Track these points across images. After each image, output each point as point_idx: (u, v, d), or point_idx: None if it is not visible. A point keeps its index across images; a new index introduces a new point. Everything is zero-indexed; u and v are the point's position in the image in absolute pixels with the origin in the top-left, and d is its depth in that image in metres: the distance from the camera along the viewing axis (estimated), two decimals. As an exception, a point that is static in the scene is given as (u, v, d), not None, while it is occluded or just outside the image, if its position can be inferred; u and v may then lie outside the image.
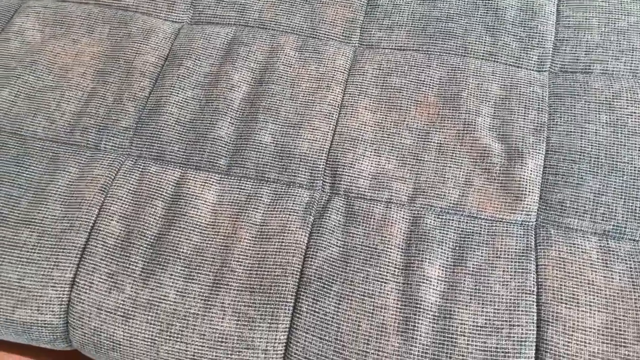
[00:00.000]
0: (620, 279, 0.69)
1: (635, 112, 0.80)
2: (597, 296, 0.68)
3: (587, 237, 0.73)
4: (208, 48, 0.91)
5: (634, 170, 0.76)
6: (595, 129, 0.79)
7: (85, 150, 0.84)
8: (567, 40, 0.88)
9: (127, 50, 0.91)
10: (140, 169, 0.82)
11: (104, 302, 0.73)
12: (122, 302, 0.72)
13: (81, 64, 0.91)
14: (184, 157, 0.82)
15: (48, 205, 0.78)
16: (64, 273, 0.74)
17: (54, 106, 0.87)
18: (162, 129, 0.84)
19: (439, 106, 0.83)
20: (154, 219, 0.77)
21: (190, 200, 0.78)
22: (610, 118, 0.80)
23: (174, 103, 0.86)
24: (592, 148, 0.78)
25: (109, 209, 0.78)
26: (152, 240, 0.76)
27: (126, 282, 0.73)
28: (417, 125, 0.82)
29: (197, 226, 0.76)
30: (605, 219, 0.74)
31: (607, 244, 0.72)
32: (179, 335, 0.71)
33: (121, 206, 0.78)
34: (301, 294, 0.71)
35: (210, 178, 0.80)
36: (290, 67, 0.88)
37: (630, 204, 0.74)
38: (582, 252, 0.72)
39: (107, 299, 0.73)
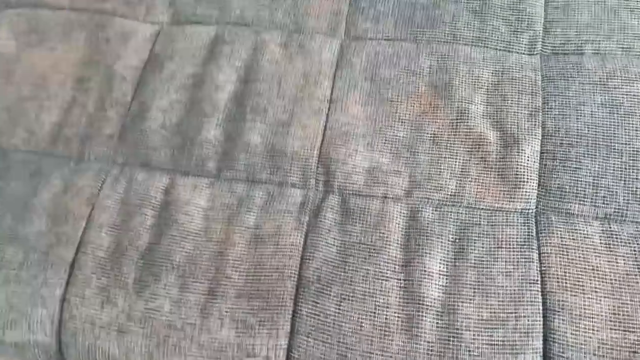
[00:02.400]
0: (625, 263, 0.68)
1: (630, 92, 0.78)
2: (602, 282, 0.67)
3: (589, 222, 0.72)
4: (190, 49, 0.88)
5: (633, 151, 0.74)
6: (591, 111, 0.78)
7: (69, 161, 0.81)
8: (557, 21, 0.86)
9: (107, 56, 0.88)
10: (127, 178, 0.79)
11: (97, 317, 0.70)
12: (115, 316, 0.70)
13: (59, 72, 0.88)
14: (172, 162, 0.80)
15: (33, 221, 0.76)
16: (53, 290, 0.72)
17: (33, 117, 0.84)
18: (148, 135, 0.82)
19: (431, 96, 0.81)
20: (144, 228, 0.75)
21: (181, 207, 0.76)
22: (605, 99, 0.78)
23: (158, 107, 0.83)
24: (588, 130, 0.76)
25: (97, 221, 0.75)
26: (143, 251, 0.73)
27: (119, 295, 0.71)
28: (409, 117, 0.80)
29: (189, 233, 0.74)
30: (606, 202, 0.72)
31: (610, 227, 0.71)
32: (177, 347, 0.68)
33: (109, 217, 0.76)
34: (300, 297, 0.69)
35: (200, 183, 0.78)
36: (276, 64, 0.86)
37: (631, 186, 0.73)
38: (584, 237, 0.70)
39: (100, 313, 0.70)
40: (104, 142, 0.82)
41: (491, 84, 0.81)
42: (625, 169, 0.74)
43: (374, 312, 0.68)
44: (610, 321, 0.65)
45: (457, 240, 0.71)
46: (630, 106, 0.77)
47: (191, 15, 0.93)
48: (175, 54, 0.88)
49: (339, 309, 0.68)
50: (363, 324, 0.67)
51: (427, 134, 0.78)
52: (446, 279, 0.69)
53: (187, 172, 0.79)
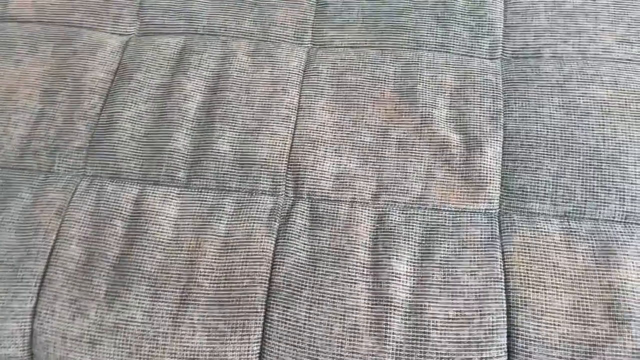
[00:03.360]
0: (583, 259, 0.70)
1: (586, 93, 0.81)
2: (562, 278, 0.69)
3: (549, 220, 0.74)
4: (158, 59, 0.89)
5: (589, 151, 0.77)
6: (549, 113, 0.80)
7: (38, 174, 0.81)
8: (516, 26, 0.89)
9: (74, 68, 0.88)
10: (96, 189, 0.79)
11: (69, 329, 0.70)
12: (87, 328, 0.70)
13: (27, 85, 0.87)
14: (141, 173, 0.80)
15: (2, 234, 0.75)
16: (24, 304, 0.72)
17: (1, 131, 0.84)
18: (117, 146, 0.82)
19: (396, 101, 0.83)
20: (115, 239, 0.75)
21: (151, 217, 0.76)
22: (562, 100, 0.81)
23: (127, 118, 0.84)
24: (547, 132, 0.79)
25: (67, 233, 0.75)
26: (114, 262, 0.74)
27: (90, 307, 0.71)
28: (375, 122, 0.82)
29: (160, 243, 0.74)
30: (565, 200, 0.75)
31: (569, 225, 0.73)
32: (150, 357, 0.69)
33: (80, 229, 0.76)
34: (271, 303, 0.70)
35: (170, 192, 0.79)
36: (244, 72, 0.87)
37: (588, 184, 0.75)
38: (545, 235, 0.73)
39: (72, 326, 0.70)
40: (73, 154, 0.82)
41: (454, 88, 0.84)
42: (583, 167, 0.76)
43: (344, 315, 0.69)
44: (571, 316, 0.67)
45: (423, 242, 0.73)
46: (586, 107, 0.80)
47: (159, 25, 0.93)
48: (144, 65, 0.88)
49: (310, 313, 0.69)
50: (333, 327, 0.68)
51: (393, 138, 0.80)
52: (413, 279, 0.71)
53: (157, 182, 0.80)
